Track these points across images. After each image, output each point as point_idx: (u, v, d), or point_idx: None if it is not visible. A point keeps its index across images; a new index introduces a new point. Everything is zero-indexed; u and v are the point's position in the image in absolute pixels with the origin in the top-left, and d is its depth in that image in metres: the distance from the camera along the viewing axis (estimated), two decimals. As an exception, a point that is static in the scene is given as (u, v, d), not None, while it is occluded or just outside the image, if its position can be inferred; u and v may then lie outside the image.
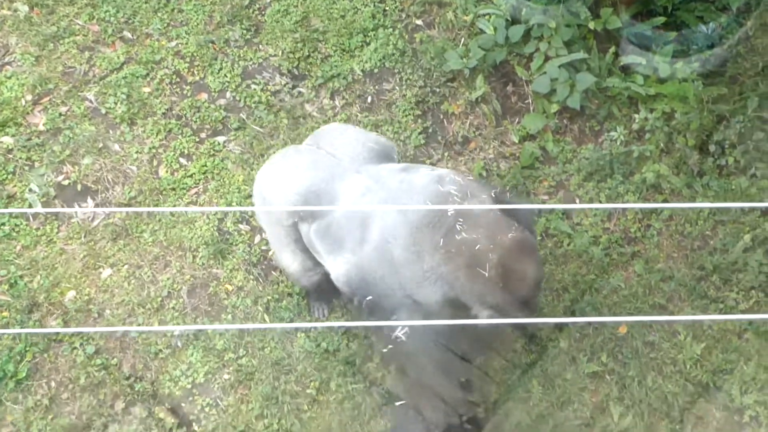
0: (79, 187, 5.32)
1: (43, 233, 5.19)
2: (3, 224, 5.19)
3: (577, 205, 5.28)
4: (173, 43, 5.75)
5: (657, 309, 4.93)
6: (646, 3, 5.53)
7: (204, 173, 5.37)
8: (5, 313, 4.94)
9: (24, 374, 4.81)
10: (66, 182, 5.33)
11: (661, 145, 5.32)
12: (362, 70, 5.68)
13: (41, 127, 5.47)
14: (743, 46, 5.53)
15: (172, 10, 5.86)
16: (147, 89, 5.60)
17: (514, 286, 3.88)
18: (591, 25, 5.41)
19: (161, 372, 4.86)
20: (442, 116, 5.58)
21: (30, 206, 5.22)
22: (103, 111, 5.54)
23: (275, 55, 5.73)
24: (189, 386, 4.83)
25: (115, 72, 5.64)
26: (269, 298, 5.02)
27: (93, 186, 5.34)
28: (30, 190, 5.27)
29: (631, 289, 4.98)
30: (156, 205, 5.25)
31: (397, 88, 5.64)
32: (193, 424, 4.76)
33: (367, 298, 4.13)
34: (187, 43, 5.73)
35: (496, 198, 4.11)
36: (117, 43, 5.76)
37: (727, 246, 5.07)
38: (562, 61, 5.38)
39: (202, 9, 5.85)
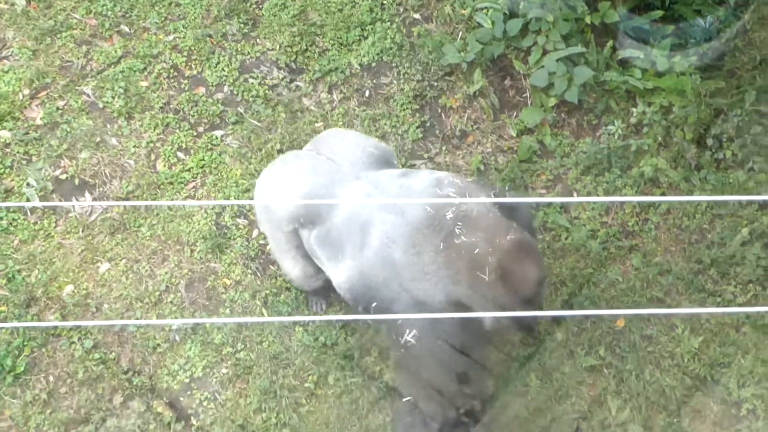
0: (76, 181, 5.32)
1: (41, 227, 5.19)
2: (0, 218, 5.18)
3: (575, 199, 5.28)
4: (171, 37, 5.74)
5: (655, 302, 4.94)
6: (644, -4, 5.54)
7: (202, 167, 5.37)
8: (3, 308, 4.95)
9: (22, 369, 4.81)
10: (63, 176, 5.33)
11: (659, 138, 5.32)
12: (360, 64, 5.67)
13: (38, 121, 5.47)
14: (741, 39, 5.53)
15: (170, 3, 5.85)
16: (144, 83, 5.59)
17: (515, 289, 3.88)
18: (588, 19, 5.40)
19: (159, 366, 4.86)
20: (439, 110, 5.57)
21: (27, 200, 5.21)
22: (101, 105, 5.53)
23: (273, 49, 5.72)
24: (187, 380, 4.83)
25: (112, 66, 5.64)
26: (267, 292, 5.02)
27: (90, 180, 5.33)
28: (27, 184, 5.27)
29: (628, 282, 4.99)
30: (154, 200, 5.25)
31: (394, 82, 5.63)
32: (192, 418, 4.76)
33: (373, 305, 4.13)
34: (184, 37, 5.73)
35: (495, 197, 4.11)
36: (114, 37, 5.75)
37: (724, 239, 5.07)
38: (560, 55, 5.38)
39: (200, 3, 5.84)
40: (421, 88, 5.60)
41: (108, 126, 5.48)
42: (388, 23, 5.77)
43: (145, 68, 5.64)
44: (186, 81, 5.62)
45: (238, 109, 5.55)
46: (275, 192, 4.42)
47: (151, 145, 5.43)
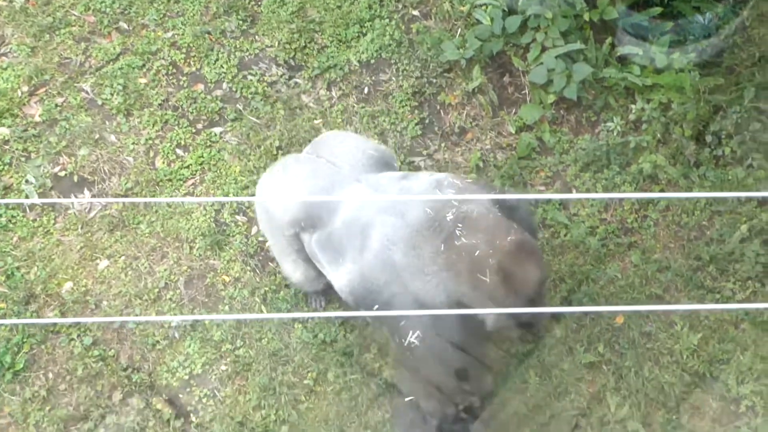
0: (75, 178, 5.32)
1: (40, 224, 5.19)
2: (0, 215, 5.19)
3: (574, 195, 5.28)
4: (169, 34, 5.74)
5: (654, 299, 4.94)
6: (643, -7, 5.54)
7: (200, 164, 5.37)
8: (2, 305, 4.94)
9: (21, 365, 4.81)
10: (62, 173, 5.32)
11: (658, 135, 5.32)
12: (359, 61, 5.67)
13: (37, 118, 5.46)
14: (740, 36, 5.53)
15: (168, 0, 5.85)
16: (143, 80, 5.59)
17: (516, 290, 3.87)
18: (587, 16, 5.40)
19: (159, 363, 4.86)
20: (438, 107, 5.57)
21: (26, 197, 5.21)
22: (100, 102, 5.53)
23: (271, 46, 5.72)
24: (186, 377, 4.83)
25: (111, 63, 5.63)
26: (266, 289, 5.02)
27: (89, 177, 5.33)
28: (26, 181, 5.27)
29: (627, 279, 4.99)
30: (152, 197, 5.25)
31: (393, 78, 5.63)
32: (191, 414, 4.76)
33: (375, 307, 4.13)
34: (183, 34, 5.72)
35: (496, 199, 4.11)
36: (113, 34, 5.75)
37: (723, 236, 5.08)
38: (559, 52, 5.38)
39: (198, 0, 5.84)
40: (419, 85, 5.60)
41: (107, 123, 5.48)
42: (387, 20, 5.77)
43: (143, 65, 5.63)
44: (185, 78, 5.62)
45: (237, 106, 5.55)
46: (275, 196, 4.42)
47: (150, 142, 5.43)
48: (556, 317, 4.84)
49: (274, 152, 5.37)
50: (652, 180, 5.27)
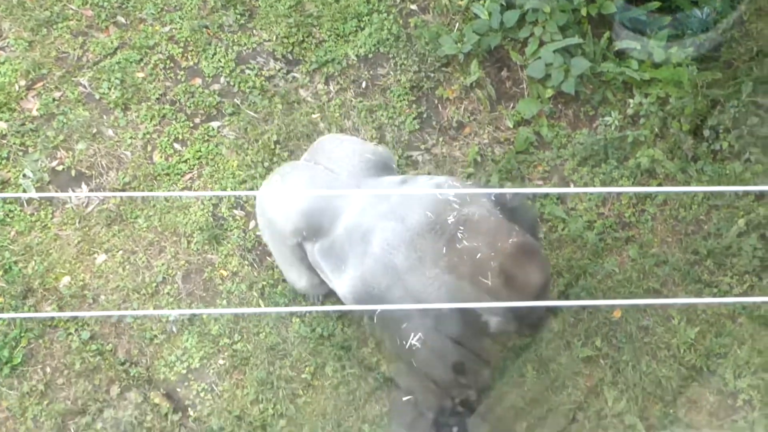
0: (73, 172, 5.31)
1: (38, 219, 5.19)
2: (-3, 210, 5.19)
3: (572, 190, 5.28)
4: (167, 28, 5.73)
5: (651, 293, 4.94)
6: (641, -13, 5.53)
7: (198, 159, 5.36)
8: (0, 299, 4.94)
9: (19, 360, 4.82)
10: (60, 168, 5.32)
11: (656, 130, 5.32)
12: (357, 55, 5.67)
13: (35, 113, 5.46)
14: (738, 30, 5.53)
15: (166, -6, 5.84)
16: (141, 74, 5.58)
17: (518, 293, 3.87)
18: (585, 10, 5.40)
19: (156, 357, 4.87)
20: (436, 101, 5.57)
21: (24, 192, 5.21)
22: (97, 96, 5.52)
23: (269, 40, 5.72)
24: (184, 371, 4.84)
25: (108, 57, 5.62)
26: (264, 283, 5.02)
27: (87, 171, 5.33)
28: (24, 175, 5.27)
29: (625, 273, 5.00)
30: (150, 191, 5.25)
31: (391, 73, 5.63)
32: (189, 409, 4.77)
33: (376, 312, 4.13)
34: (180, 28, 5.72)
35: (496, 200, 4.10)
36: (110, 28, 5.74)
37: (721, 230, 5.08)
38: (557, 46, 5.37)
39: (196, -6, 5.83)
40: (417, 79, 5.60)
41: (104, 117, 5.48)
42: (385, 14, 5.76)
43: (141, 59, 5.63)
44: (182, 72, 5.61)
45: (235, 100, 5.54)
46: (276, 205, 4.40)
47: (148, 136, 5.42)
48: (553, 311, 4.84)
49: (272, 146, 5.37)
50: (649, 174, 5.27)
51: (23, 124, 5.41)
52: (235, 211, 5.22)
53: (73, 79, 5.56)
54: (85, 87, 5.55)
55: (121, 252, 5.12)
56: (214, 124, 5.48)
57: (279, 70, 5.63)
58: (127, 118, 5.47)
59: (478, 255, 3.87)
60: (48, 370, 4.83)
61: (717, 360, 4.78)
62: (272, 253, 4.73)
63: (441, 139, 5.45)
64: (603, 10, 5.42)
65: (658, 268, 5.01)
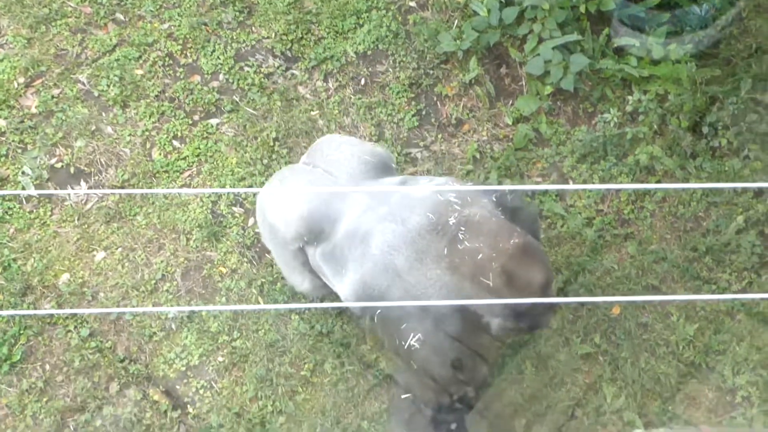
0: (72, 169, 5.31)
1: (37, 216, 5.19)
2: (-4, 207, 5.19)
3: (571, 186, 5.28)
4: (166, 25, 5.73)
5: (650, 290, 4.95)
6: (640, -16, 5.53)
7: (197, 156, 5.36)
8: (-1, 296, 4.95)
9: (18, 357, 4.82)
10: (59, 165, 5.32)
11: (655, 126, 5.33)
12: (355, 52, 5.67)
13: (34, 110, 5.46)
14: (736, 27, 5.53)
15: (165, -8, 5.84)
16: (140, 71, 5.58)
17: (520, 294, 3.87)
18: (584, 7, 5.40)
19: (155, 354, 4.87)
20: (435, 98, 5.57)
21: (23, 189, 5.21)
22: (96, 93, 5.52)
23: (268, 37, 5.71)
24: (183, 368, 4.84)
25: (107, 54, 5.62)
26: (263, 280, 5.02)
27: (86, 169, 5.33)
28: (23, 172, 5.27)
29: (624, 270, 5.00)
30: (149, 188, 5.25)
31: (390, 70, 5.63)
32: (188, 406, 4.77)
33: (377, 312, 4.13)
34: (179, 25, 5.71)
35: (497, 201, 4.10)
36: (109, 25, 5.74)
37: (719, 227, 5.08)
38: (556, 43, 5.37)
39: (195, -9, 5.83)
40: (416, 76, 5.60)
41: (103, 114, 5.47)
42: (384, 11, 5.76)
43: (140, 56, 5.63)
44: (181, 69, 5.61)
45: (234, 97, 5.54)
46: (276, 211, 4.40)
47: (147, 133, 5.42)
48: (554, 309, 4.84)
49: (271, 144, 5.37)
50: (648, 171, 5.27)
51: (22, 122, 5.41)
52: (234, 208, 5.22)
53: (71, 76, 5.56)
54: (83, 84, 5.55)
55: (120, 249, 5.12)
56: (213, 121, 5.48)
57: (278, 67, 5.63)
58: (126, 115, 5.47)
59: (480, 256, 3.87)
60: (47, 367, 4.84)
61: (716, 357, 4.79)
62: (274, 256, 4.72)
63: (440, 136, 5.45)
64: (602, 7, 5.42)
65: (656, 265, 5.02)
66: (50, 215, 5.19)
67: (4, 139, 5.36)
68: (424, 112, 5.53)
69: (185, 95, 5.52)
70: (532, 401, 4.70)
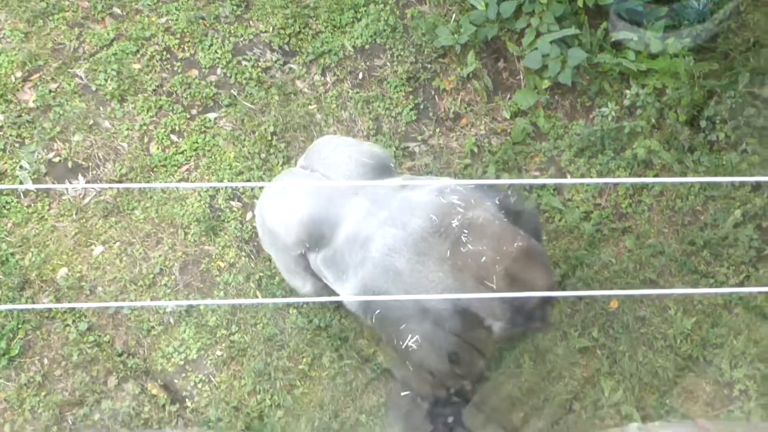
0: (69, 164, 5.31)
1: (34, 210, 5.18)
2: (-6, 202, 5.19)
3: (569, 180, 5.28)
4: (163, 20, 5.72)
5: (648, 284, 4.95)
6: (638, -22, 5.52)
7: (195, 150, 5.36)
8: (-3, 291, 4.95)
9: (16, 351, 4.82)
10: (56, 159, 5.32)
11: (652, 120, 5.33)
12: (353, 47, 5.66)
13: (31, 104, 5.45)
14: (734, 20, 5.53)
15: (162, -14, 5.83)
16: (137, 66, 5.58)
17: (522, 298, 3.87)
18: (582, 1, 5.39)
19: (154, 348, 4.87)
20: (433, 92, 5.57)
21: (21, 183, 5.21)
22: (93, 88, 5.52)
23: (266, 32, 5.71)
24: (182, 362, 4.84)
25: (105, 48, 5.62)
26: (261, 274, 5.02)
27: (84, 163, 5.33)
28: (20, 167, 5.26)
29: (621, 264, 5.00)
30: (147, 182, 5.25)
31: (388, 64, 5.62)
32: (186, 400, 4.78)
33: (376, 312, 4.13)
34: (177, 20, 5.71)
35: (501, 204, 4.09)
36: (107, 20, 5.73)
37: (717, 221, 5.09)
38: (554, 37, 5.37)
39: (192, -15, 5.83)
40: (414, 70, 5.59)
41: (101, 109, 5.47)
42: (382, 5, 5.76)
43: (137, 51, 5.62)
44: (179, 63, 5.61)
45: (232, 91, 5.54)
46: (276, 216, 4.38)
47: (144, 127, 5.42)
48: (550, 302, 4.85)
49: (269, 138, 5.37)
50: (646, 165, 5.27)
51: (20, 116, 5.40)
52: (232, 203, 5.22)
53: (69, 70, 5.55)
54: (81, 78, 5.54)
55: (118, 243, 5.12)
56: (211, 115, 5.47)
57: (276, 62, 5.62)
58: (123, 110, 5.46)
59: (483, 258, 3.87)
60: (45, 361, 4.84)
61: (713, 350, 4.80)
62: (274, 261, 4.70)
63: (438, 130, 5.45)
64: (600, 1, 5.42)
65: (654, 259, 5.02)
66: (48, 209, 5.19)
67: (1, 133, 5.36)
68: (421, 107, 5.52)
69: (183, 89, 5.52)
70: (529, 395, 4.70)
